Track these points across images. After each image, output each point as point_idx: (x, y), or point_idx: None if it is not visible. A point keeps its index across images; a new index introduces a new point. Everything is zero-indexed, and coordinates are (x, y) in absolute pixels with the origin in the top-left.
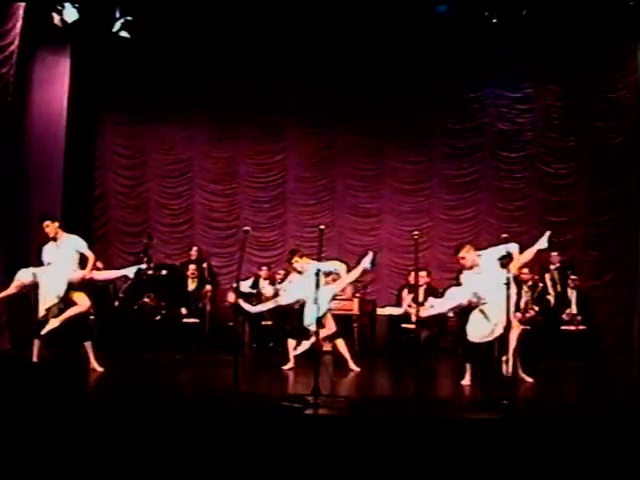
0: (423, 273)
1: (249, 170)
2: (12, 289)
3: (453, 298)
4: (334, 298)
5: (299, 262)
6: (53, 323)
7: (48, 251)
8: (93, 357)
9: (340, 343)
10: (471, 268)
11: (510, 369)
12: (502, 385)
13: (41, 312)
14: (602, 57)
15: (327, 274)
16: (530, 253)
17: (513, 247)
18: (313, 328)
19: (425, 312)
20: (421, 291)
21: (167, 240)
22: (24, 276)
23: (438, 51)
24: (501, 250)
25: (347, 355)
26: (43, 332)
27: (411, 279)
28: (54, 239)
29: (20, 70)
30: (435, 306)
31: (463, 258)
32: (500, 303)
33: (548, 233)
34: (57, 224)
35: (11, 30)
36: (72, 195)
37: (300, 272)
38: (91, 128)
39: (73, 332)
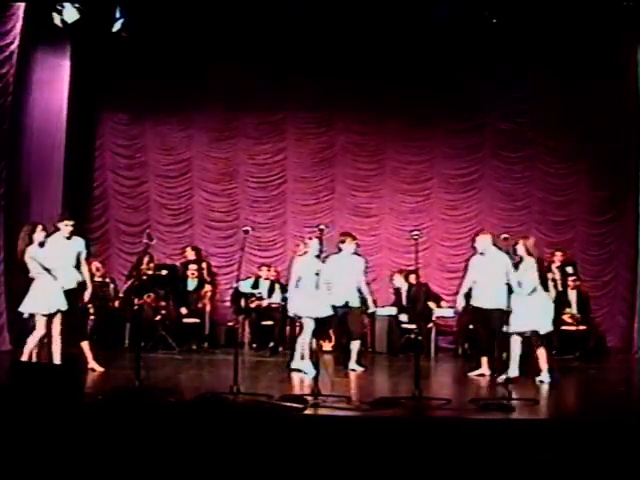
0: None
1: (249, 170)
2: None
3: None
4: None
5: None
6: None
7: (53, 242)
8: (91, 357)
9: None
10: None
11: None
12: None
13: (28, 308)
14: (602, 58)
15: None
16: None
17: None
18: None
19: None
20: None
21: (167, 240)
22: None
23: (438, 51)
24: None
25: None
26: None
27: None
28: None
29: (20, 70)
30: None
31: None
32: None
33: None
34: (71, 227)
35: (11, 30)
36: (72, 195)
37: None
38: (91, 128)
39: (70, 332)
